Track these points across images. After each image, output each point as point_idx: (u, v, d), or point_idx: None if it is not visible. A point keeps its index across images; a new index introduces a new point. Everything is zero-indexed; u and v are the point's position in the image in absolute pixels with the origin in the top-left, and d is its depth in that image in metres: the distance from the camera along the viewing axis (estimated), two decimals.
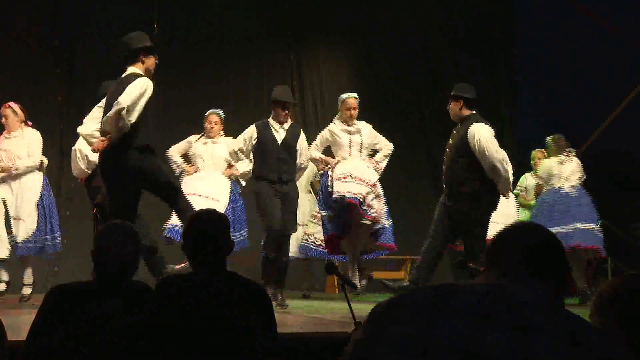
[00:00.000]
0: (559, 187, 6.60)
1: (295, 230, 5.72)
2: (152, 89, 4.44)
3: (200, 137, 6.53)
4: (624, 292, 1.46)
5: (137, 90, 4.36)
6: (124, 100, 4.30)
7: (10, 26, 8.00)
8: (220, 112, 6.60)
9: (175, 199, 4.57)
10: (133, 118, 4.34)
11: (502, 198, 5.24)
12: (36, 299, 5.56)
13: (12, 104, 6.02)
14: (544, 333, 1.15)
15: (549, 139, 6.81)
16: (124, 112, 4.28)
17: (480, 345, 1.14)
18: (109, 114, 4.35)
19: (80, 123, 5.15)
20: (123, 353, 2.27)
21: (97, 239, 2.57)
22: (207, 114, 6.56)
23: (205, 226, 2.55)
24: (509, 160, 5.02)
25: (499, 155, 4.90)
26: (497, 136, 5.13)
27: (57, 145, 7.92)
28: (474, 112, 5.13)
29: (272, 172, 5.45)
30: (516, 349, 1.13)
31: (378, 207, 5.65)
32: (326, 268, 5.07)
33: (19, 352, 2.33)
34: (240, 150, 5.63)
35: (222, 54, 8.54)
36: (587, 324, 1.24)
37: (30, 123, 6.11)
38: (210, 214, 2.66)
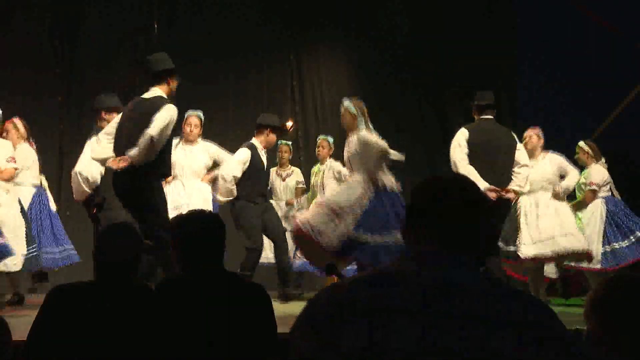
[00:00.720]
0: (612, 195, 6.33)
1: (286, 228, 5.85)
2: (176, 117, 4.50)
3: (179, 142, 6.11)
4: (616, 292, 1.46)
5: (166, 121, 4.39)
6: (154, 131, 4.33)
7: (10, 26, 8.00)
8: (200, 113, 6.25)
9: (156, 246, 4.41)
10: (159, 147, 4.40)
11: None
12: (36, 299, 5.57)
13: (16, 120, 5.87)
14: (504, 324, 1.12)
15: (582, 143, 6.47)
16: (154, 142, 4.32)
17: (438, 342, 1.10)
18: (141, 145, 4.34)
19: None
20: (124, 353, 2.27)
21: (99, 238, 2.57)
22: (186, 115, 6.16)
23: (200, 228, 2.54)
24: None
25: (453, 158, 5.10)
26: None
27: (57, 146, 7.93)
28: (482, 117, 5.35)
29: (260, 194, 5.66)
30: (481, 342, 1.10)
31: (331, 232, 4.99)
32: (326, 268, 5.08)
33: (20, 352, 2.33)
34: (235, 177, 5.62)
35: (222, 53, 8.54)
36: (547, 308, 1.21)
37: (32, 143, 5.96)
38: (202, 216, 2.66)
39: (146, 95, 4.59)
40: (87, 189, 5.41)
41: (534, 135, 6.19)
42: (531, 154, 6.01)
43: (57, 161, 7.79)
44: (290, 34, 9.14)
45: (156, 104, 4.44)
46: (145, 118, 4.37)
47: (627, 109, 8.70)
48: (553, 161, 6.16)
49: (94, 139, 5.29)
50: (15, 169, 5.56)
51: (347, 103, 5.34)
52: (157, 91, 4.58)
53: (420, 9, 9.40)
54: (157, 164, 4.46)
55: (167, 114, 4.40)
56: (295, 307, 5.57)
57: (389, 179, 5.25)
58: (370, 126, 5.37)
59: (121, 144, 4.52)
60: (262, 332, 2.42)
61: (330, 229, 4.93)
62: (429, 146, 9.09)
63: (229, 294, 2.42)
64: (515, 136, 5.48)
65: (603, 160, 6.43)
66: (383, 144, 5.22)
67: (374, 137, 5.22)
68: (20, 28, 8.04)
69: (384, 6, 9.37)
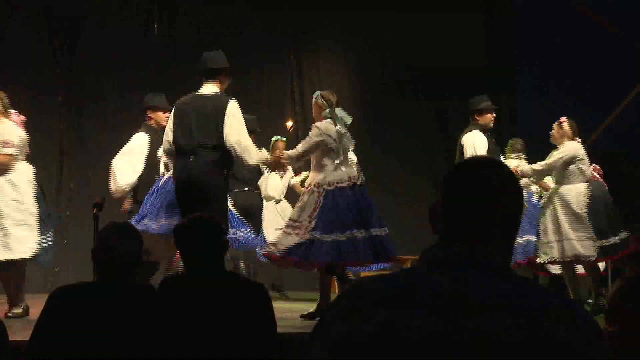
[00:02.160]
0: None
1: None
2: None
3: None
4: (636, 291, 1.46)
5: (242, 118, 4.45)
6: (232, 137, 4.38)
7: (10, 26, 8.00)
8: None
9: None
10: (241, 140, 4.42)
11: None
12: (38, 299, 5.55)
13: None
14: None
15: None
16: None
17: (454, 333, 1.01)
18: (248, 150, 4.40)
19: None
20: (125, 353, 2.27)
21: (101, 238, 2.57)
22: None
23: (197, 232, 2.55)
24: None
25: None
26: (497, 137, 5.22)
27: (57, 146, 7.92)
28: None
29: None
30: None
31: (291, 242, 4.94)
32: (326, 268, 5.08)
33: (22, 352, 2.34)
34: None
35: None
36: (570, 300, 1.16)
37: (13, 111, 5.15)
38: (203, 220, 2.67)
39: (205, 92, 4.55)
40: (113, 187, 5.20)
41: (554, 125, 5.86)
42: (559, 143, 5.75)
43: (57, 161, 7.79)
44: (290, 34, 9.14)
45: (221, 99, 4.46)
46: (215, 113, 4.38)
47: (627, 109, 8.70)
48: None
49: (141, 137, 5.33)
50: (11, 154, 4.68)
51: (316, 94, 5.12)
52: (212, 87, 4.56)
53: (420, 8, 9.40)
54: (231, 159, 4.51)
55: (238, 113, 4.43)
56: (294, 307, 5.57)
57: (339, 174, 4.83)
58: (344, 116, 4.95)
59: (190, 138, 4.41)
60: (261, 329, 2.43)
61: (291, 240, 4.80)
62: (428, 145, 9.10)
63: (229, 293, 2.43)
64: (466, 138, 5.58)
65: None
66: (325, 137, 4.80)
67: (322, 129, 4.84)
68: (20, 28, 8.02)
69: (384, 6, 9.37)
